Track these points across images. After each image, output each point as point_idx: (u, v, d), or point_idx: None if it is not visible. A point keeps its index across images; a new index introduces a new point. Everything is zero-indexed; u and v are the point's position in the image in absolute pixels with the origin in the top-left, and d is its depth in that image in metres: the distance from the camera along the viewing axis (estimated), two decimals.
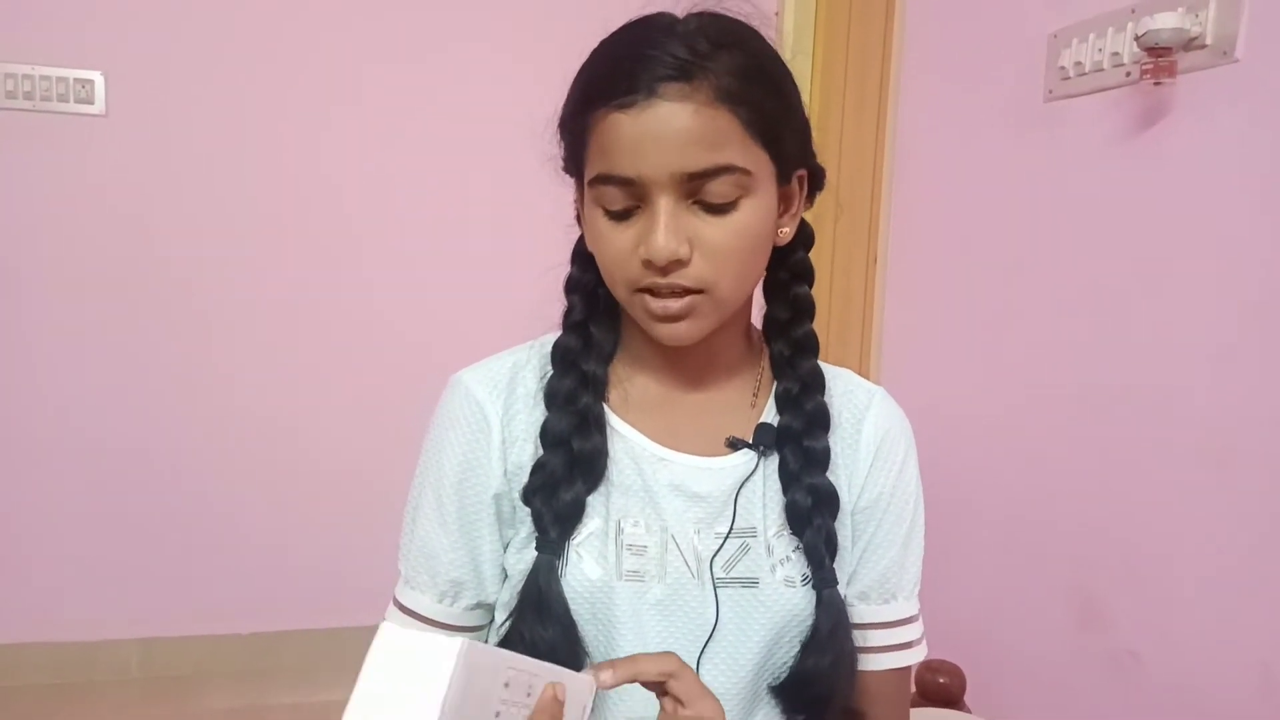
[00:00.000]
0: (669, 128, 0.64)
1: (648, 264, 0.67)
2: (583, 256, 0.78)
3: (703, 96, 0.65)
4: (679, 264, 0.67)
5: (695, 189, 0.66)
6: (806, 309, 0.80)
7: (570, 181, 0.77)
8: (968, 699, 1.31)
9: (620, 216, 0.68)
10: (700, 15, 0.69)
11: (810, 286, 0.80)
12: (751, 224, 0.68)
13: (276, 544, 2.48)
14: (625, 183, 0.66)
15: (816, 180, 0.77)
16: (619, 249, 0.68)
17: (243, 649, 2.48)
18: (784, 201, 0.73)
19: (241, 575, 2.46)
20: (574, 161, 0.72)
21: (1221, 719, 1.20)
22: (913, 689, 1.29)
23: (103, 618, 2.40)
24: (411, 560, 0.78)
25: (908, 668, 0.81)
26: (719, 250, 0.67)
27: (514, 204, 2.30)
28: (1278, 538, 1.13)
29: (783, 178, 0.72)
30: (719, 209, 0.67)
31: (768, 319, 0.81)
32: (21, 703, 2.27)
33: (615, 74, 0.66)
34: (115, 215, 2.30)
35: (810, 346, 0.79)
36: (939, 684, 1.27)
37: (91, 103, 2.24)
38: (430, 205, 2.49)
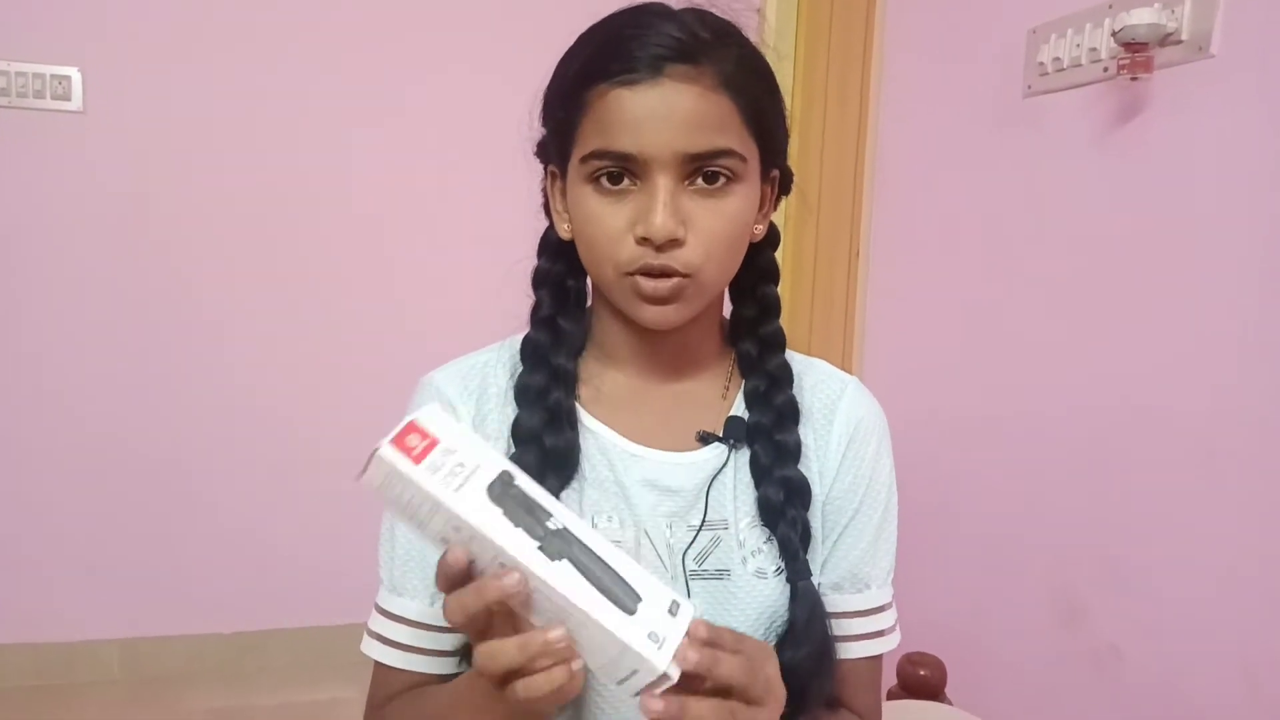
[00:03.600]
0: (674, 107, 0.65)
1: (643, 242, 0.66)
2: (551, 248, 0.78)
3: (707, 81, 0.65)
4: (675, 244, 0.66)
5: (693, 170, 0.67)
6: (773, 307, 0.80)
7: (540, 169, 0.77)
8: (949, 692, 1.32)
9: (614, 195, 0.67)
10: (695, 10, 0.69)
11: (776, 285, 0.81)
12: (741, 212, 0.69)
13: (261, 542, 2.47)
14: (624, 158, 0.66)
15: (785, 183, 0.78)
16: (613, 228, 0.68)
17: (227, 648, 2.47)
18: (760, 199, 0.74)
19: (225, 574, 2.45)
20: (561, 142, 0.71)
21: (1202, 715, 1.21)
22: (894, 681, 1.30)
23: (84, 617, 2.38)
24: (398, 565, 0.76)
25: (880, 655, 0.81)
26: (712, 234, 0.67)
27: (509, 198, 2.30)
28: (1260, 536, 1.14)
29: (764, 174, 0.73)
30: (714, 193, 0.67)
31: (735, 318, 0.82)
32: (1, 705, 2.25)
33: (616, 52, 0.66)
34: (93, 213, 2.28)
35: (777, 343, 0.79)
36: (920, 676, 1.28)
37: (69, 99, 2.22)
38: (426, 196, 2.49)
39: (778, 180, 0.77)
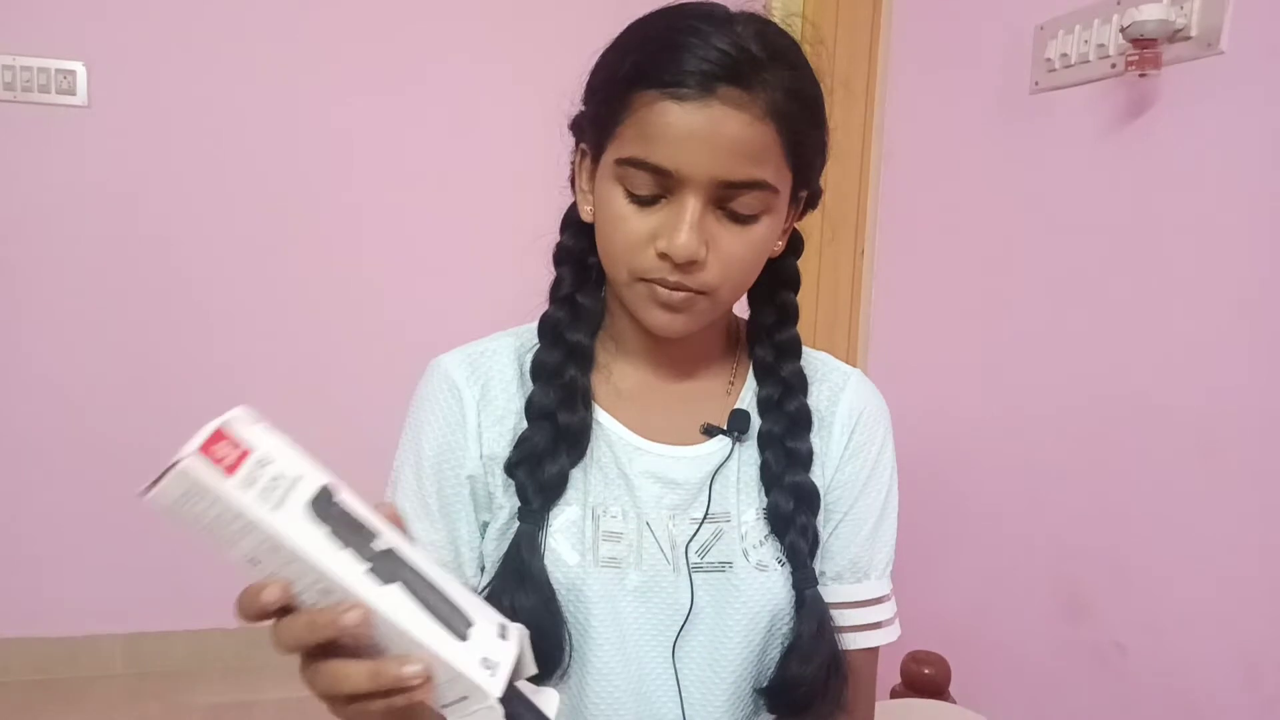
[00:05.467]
0: (721, 132, 0.63)
1: (663, 257, 0.67)
2: (574, 225, 0.78)
3: (758, 109, 0.64)
4: (695, 265, 0.67)
5: (726, 197, 0.66)
6: (791, 315, 0.80)
7: (570, 142, 0.76)
8: (953, 689, 1.31)
9: (644, 202, 0.67)
10: (754, 18, 0.68)
11: (796, 293, 0.81)
12: (765, 239, 0.70)
13: None
14: (659, 172, 0.65)
15: (814, 199, 0.78)
16: (635, 235, 0.68)
17: (230, 644, 2.47)
18: (784, 217, 0.74)
19: (228, 569, 2.42)
20: (599, 131, 0.70)
21: (1205, 711, 1.20)
22: (898, 679, 1.29)
23: (88, 612, 2.39)
24: None
25: (877, 648, 0.81)
26: (733, 259, 0.68)
27: (509, 196, 2.30)
28: (1263, 531, 1.13)
29: (793, 196, 0.73)
30: (742, 220, 0.67)
31: (752, 323, 0.82)
32: (4, 700, 2.25)
33: (670, 58, 0.64)
34: (98, 207, 2.28)
35: (793, 350, 0.80)
36: (924, 674, 1.27)
37: (73, 94, 2.22)
38: (425, 193, 2.49)
39: (805, 198, 0.77)
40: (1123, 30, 1.23)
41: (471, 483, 0.75)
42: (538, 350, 0.76)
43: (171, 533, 2.25)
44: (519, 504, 0.73)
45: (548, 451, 0.72)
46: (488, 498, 0.76)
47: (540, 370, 0.75)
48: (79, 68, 2.21)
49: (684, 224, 0.65)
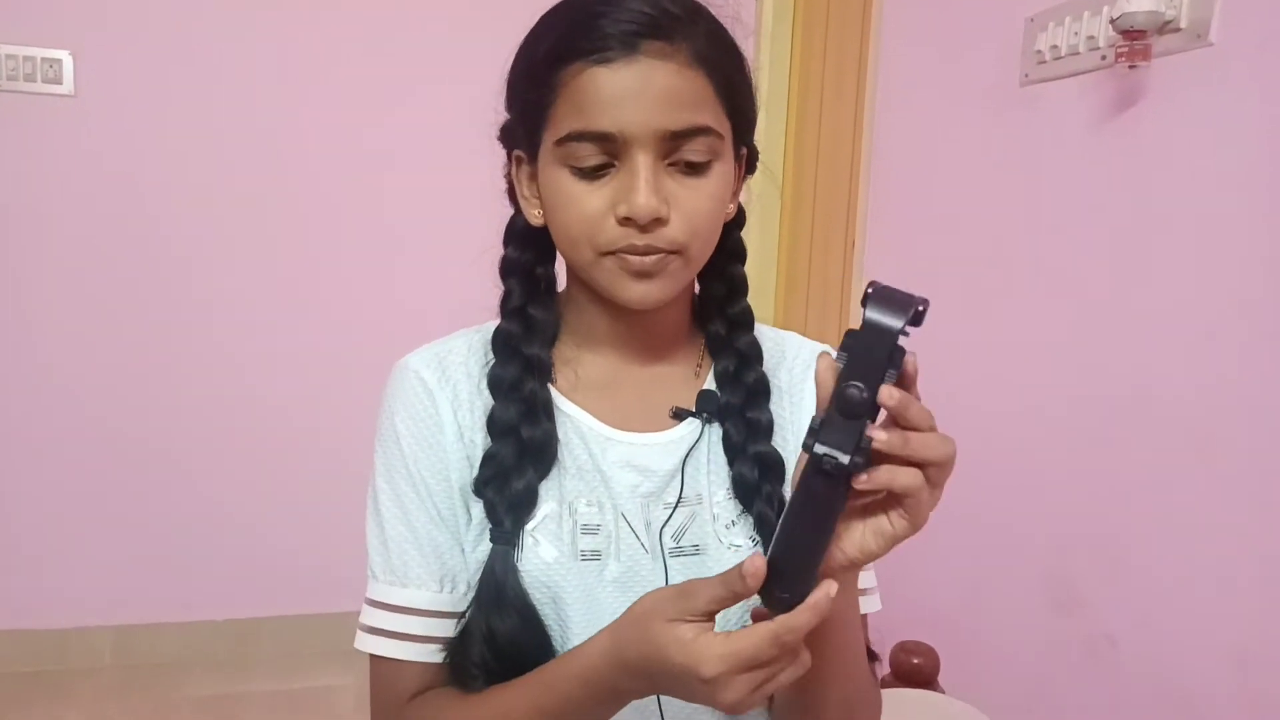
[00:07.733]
0: (652, 85, 0.64)
1: (626, 222, 0.66)
2: (518, 236, 0.77)
3: (683, 57, 0.65)
4: (659, 223, 0.66)
5: (673, 149, 0.66)
6: (741, 287, 0.80)
7: (503, 155, 0.76)
8: (942, 680, 1.32)
9: (591, 176, 0.67)
10: None
11: (743, 265, 0.81)
12: (720, 189, 0.69)
13: (254, 530, 2.46)
14: (603, 139, 0.65)
15: (751, 162, 0.78)
16: (592, 210, 0.67)
17: (220, 636, 2.47)
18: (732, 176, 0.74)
19: (219, 561, 2.44)
20: (530, 125, 0.70)
21: (1196, 703, 1.21)
22: (887, 669, 1.30)
23: (78, 604, 2.38)
24: (394, 555, 0.74)
25: (864, 616, 0.80)
26: (695, 212, 0.67)
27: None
28: (1255, 524, 1.14)
29: (735, 151, 0.73)
30: (695, 170, 0.67)
31: (703, 298, 0.81)
32: None
33: (588, 29, 0.65)
34: (84, 197, 2.26)
35: (746, 322, 0.79)
36: (913, 664, 1.28)
37: (60, 83, 2.20)
38: (415, 184, 2.47)
39: (745, 158, 0.77)
40: (1112, 22, 1.23)
41: (460, 483, 0.75)
42: (493, 365, 0.75)
43: (162, 525, 2.24)
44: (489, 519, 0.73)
45: (514, 467, 0.72)
46: (467, 499, 0.75)
47: (498, 385, 0.74)
48: (65, 57, 2.19)
49: (640, 183, 0.64)
